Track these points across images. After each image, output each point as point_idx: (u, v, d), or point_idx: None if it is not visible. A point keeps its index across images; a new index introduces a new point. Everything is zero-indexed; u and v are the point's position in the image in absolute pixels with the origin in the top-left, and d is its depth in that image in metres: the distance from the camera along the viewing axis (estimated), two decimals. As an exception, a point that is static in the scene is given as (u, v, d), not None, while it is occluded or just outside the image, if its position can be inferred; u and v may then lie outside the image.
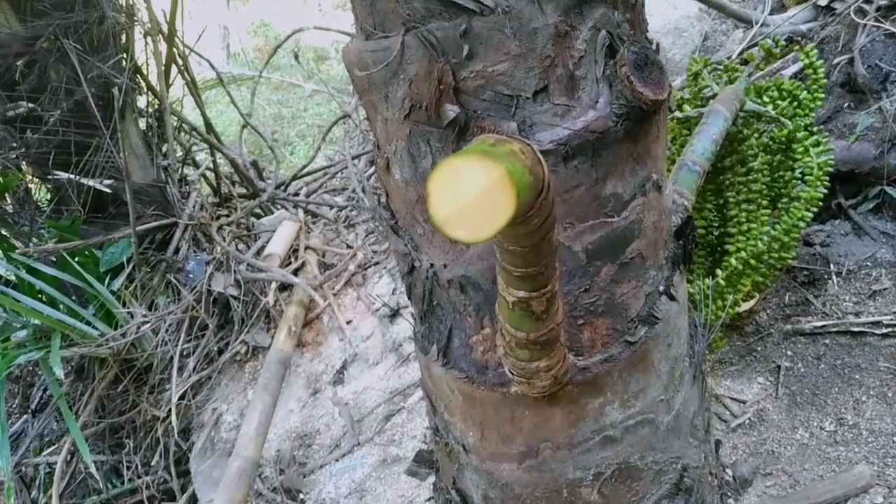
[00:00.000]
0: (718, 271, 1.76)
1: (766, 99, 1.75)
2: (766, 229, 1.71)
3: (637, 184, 0.97)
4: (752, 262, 1.70)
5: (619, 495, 1.06)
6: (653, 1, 3.64)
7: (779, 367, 1.98)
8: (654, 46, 0.95)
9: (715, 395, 1.97)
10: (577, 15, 0.88)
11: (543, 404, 1.00)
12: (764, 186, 1.72)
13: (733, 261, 1.72)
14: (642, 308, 1.02)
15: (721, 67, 1.79)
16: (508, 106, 0.90)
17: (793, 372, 1.95)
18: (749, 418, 1.89)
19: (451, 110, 0.89)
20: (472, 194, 0.38)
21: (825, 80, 1.71)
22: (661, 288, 1.04)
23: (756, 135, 1.72)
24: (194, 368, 3.09)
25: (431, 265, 1.02)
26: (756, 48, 1.98)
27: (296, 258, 3.44)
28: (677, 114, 1.77)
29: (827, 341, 1.97)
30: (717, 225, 1.92)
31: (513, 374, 0.92)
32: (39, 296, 2.91)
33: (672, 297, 1.04)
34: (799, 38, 2.36)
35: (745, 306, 2.08)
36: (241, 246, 3.62)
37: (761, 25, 2.61)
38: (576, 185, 0.92)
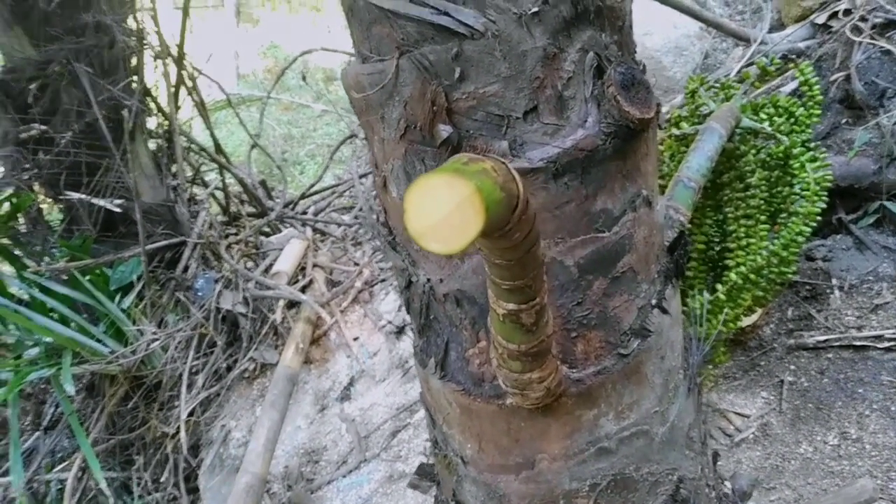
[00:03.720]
0: (718, 286, 1.77)
1: (762, 116, 1.77)
2: (765, 244, 1.72)
3: (627, 200, 1.00)
4: (752, 276, 1.71)
5: (615, 506, 1.08)
6: (653, 20, 3.70)
7: (782, 381, 1.98)
8: (640, 67, 0.98)
9: (718, 410, 1.98)
10: (566, 38, 0.91)
11: (539, 416, 1.02)
12: (762, 202, 1.73)
13: (733, 275, 1.73)
14: (635, 321, 1.04)
15: (718, 85, 1.82)
16: (499, 126, 0.93)
17: (796, 386, 1.96)
18: (753, 433, 1.90)
19: (444, 130, 0.92)
20: (444, 209, 0.40)
21: (821, 97, 1.74)
22: (654, 301, 1.06)
23: (753, 151, 1.74)
24: (203, 385, 3.12)
25: (428, 280, 1.04)
26: (753, 66, 2.01)
27: (303, 276, 3.48)
28: (674, 131, 1.79)
29: (830, 355, 1.97)
30: (717, 240, 1.94)
31: (507, 385, 0.95)
32: (51, 314, 2.95)
33: (665, 311, 1.06)
34: (794, 57, 2.39)
35: (747, 321, 2.09)
36: (249, 264, 3.66)
37: (760, 43, 2.65)
38: (566, 201, 0.95)
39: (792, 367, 2.00)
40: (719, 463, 1.83)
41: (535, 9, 0.89)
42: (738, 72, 2.52)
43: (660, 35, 3.40)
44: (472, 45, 0.89)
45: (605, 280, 1.00)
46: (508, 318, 0.81)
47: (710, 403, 1.99)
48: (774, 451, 1.82)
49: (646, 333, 1.04)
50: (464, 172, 0.41)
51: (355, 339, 3.08)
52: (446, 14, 0.89)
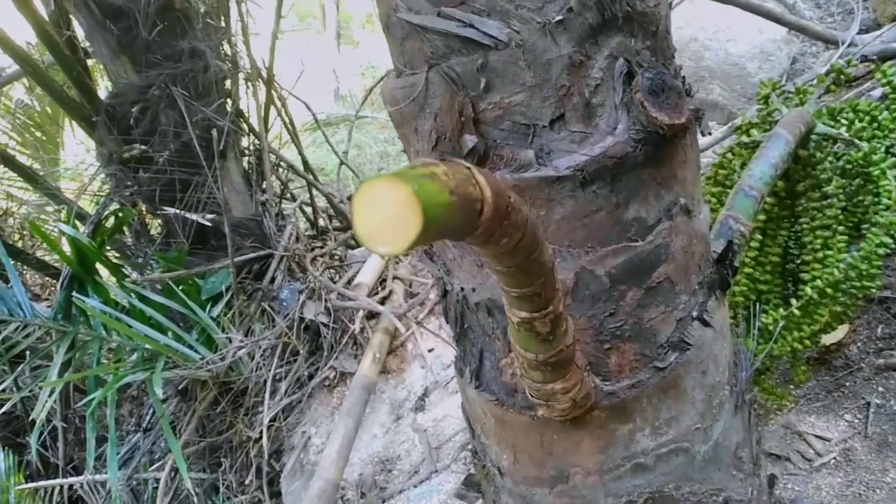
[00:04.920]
0: (793, 300, 1.68)
1: (841, 121, 1.68)
2: (843, 256, 1.62)
3: (663, 208, 0.97)
4: (829, 291, 1.62)
5: (654, 525, 1.04)
6: (737, 25, 3.56)
7: (868, 403, 1.85)
8: (672, 72, 0.95)
9: (797, 432, 1.87)
10: (592, 45, 0.91)
11: (571, 428, 1.01)
12: (840, 212, 1.64)
13: (808, 290, 1.64)
14: (672, 333, 1.00)
15: (792, 91, 1.73)
16: (526, 134, 0.93)
17: (884, 409, 1.82)
18: (834, 458, 1.78)
19: (470, 140, 0.94)
20: (385, 213, 0.42)
21: (907, 100, 1.62)
22: (695, 313, 1.02)
23: (831, 158, 1.65)
24: (286, 392, 3.23)
25: (462, 289, 1.05)
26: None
27: (383, 287, 3.55)
28: (744, 138, 1.72)
29: (924, 377, 1.83)
30: (796, 253, 1.84)
31: (532, 396, 0.94)
32: (150, 321, 3.15)
33: (706, 323, 1.02)
34: (874, 58, 2.22)
35: (831, 338, 1.97)
36: (335, 276, 3.78)
37: (849, 45, 2.49)
38: (595, 209, 0.94)
39: (880, 388, 1.86)
40: (796, 487, 1.73)
41: (560, 17, 0.88)
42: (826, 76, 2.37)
43: (744, 41, 3.26)
44: (496, 55, 0.90)
45: (640, 290, 0.98)
46: (523, 327, 0.80)
47: (789, 425, 1.88)
48: (858, 479, 1.70)
49: (684, 347, 1.00)
50: (404, 176, 0.42)
51: (430, 350, 3.11)
52: (471, 26, 0.91)
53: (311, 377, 3.31)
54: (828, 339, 1.94)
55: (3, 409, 3.34)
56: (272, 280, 3.43)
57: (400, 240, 0.42)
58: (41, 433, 3.49)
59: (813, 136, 1.65)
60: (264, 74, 3.55)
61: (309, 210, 4.14)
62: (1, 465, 3.18)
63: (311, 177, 3.99)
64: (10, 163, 3.77)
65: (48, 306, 3.42)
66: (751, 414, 1.15)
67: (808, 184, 1.68)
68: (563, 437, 1.02)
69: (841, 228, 1.64)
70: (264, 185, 3.61)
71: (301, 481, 3.12)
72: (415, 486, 2.66)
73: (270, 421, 3.11)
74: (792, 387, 1.99)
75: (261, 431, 3.08)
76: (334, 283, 3.53)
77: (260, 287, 3.37)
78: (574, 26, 0.89)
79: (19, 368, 3.12)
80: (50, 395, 2.82)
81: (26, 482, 3.25)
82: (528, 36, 0.89)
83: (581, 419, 0.99)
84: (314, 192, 4.05)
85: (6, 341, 2.96)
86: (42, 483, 3.34)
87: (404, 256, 3.90)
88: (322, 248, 3.87)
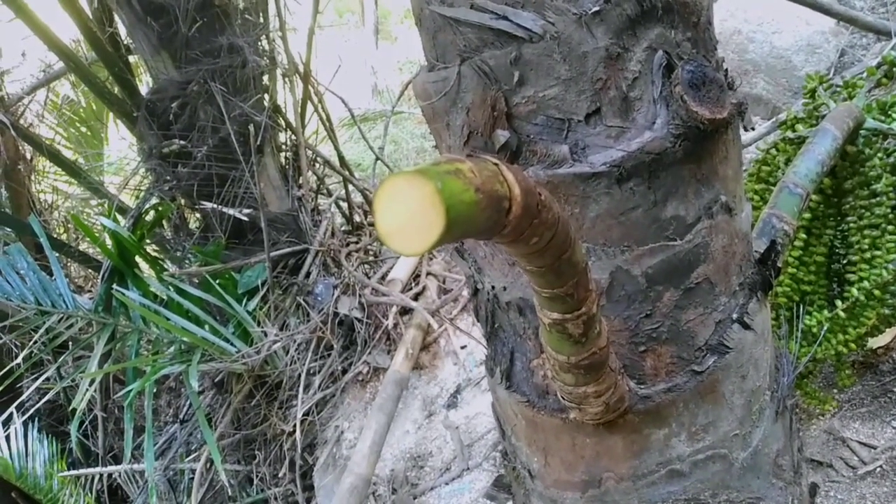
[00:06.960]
0: (838, 302, 1.63)
1: (893, 116, 1.61)
2: (892, 257, 1.56)
3: (702, 206, 0.94)
4: (876, 292, 1.56)
5: (689, 534, 1.01)
6: (783, 17, 3.46)
7: (918, 410, 1.78)
8: (714, 65, 0.92)
9: (841, 438, 1.80)
10: (630, 36, 0.88)
11: (604, 432, 0.98)
12: (889, 210, 1.57)
13: (854, 291, 1.58)
14: (711, 336, 0.97)
15: (841, 84, 1.67)
16: (560, 129, 0.90)
17: (935, 417, 1.75)
18: (881, 466, 1.71)
19: (502, 135, 0.91)
20: (408, 210, 0.40)
21: (963, 94, 1.55)
22: (735, 316, 0.99)
23: (880, 155, 1.59)
24: (319, 386, 3.25)
25: (493, 287, 1.03)
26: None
27: (417, 283, 3.55)
28: (789, 133, 1.67)
29: (977, 384, 1.75)
30: (842, 253, 1.78)
31: (563, 399, 0.91)
32: (187, 314, 3.20)
33: (746, 326, 0.99)
34: None
35: (879, 341, 1.90)
36: (369, 271, 3.79)
37: (902, 37, 2.39)
38: (632, 207, 0.91)
39: (931, 395, 1.79)
40: (839, 496, 1.67)
41: (596, 8, 0.86)
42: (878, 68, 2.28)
43: (790, 33, 3.15)
44: (530, 48, 0.88)
45: (677, 291, 0.94)
46: (554, 328, 0.78)
47: (832, 430, 1.82)
48: (906, 489, 1.64)
49: (724, 350, 0.97)
50: (426, 172, 0.40)
51: (463, 347, 3.10)
52: (505, 18, 0.89)
53: (344, 372, 3.32)
54: (874, 342, 1.87)
55: (47, 397, 3.44)
56: (307, 275, 3.45)
57: (422, 239, 0.40)
58: (82, 422, 3.58)
59: (862, 132, 1.58)
60: (301, 70, 3.57)
61: (344, 205, 4.15)
62: (45, 452, 3.25)
63: (346, 172, 4.00)
64: (56, 157, 3.86)
65: (90, 298, 3.49)
66: (792, 420, 1.11)
67: (856, 181, 1.62)
68: (595, 441, 0.99)
69: (890, 228, 1.58)
70: (300, 181, 3.63)
71: (333, 475, 3.14)
72: (446, 484, 2.65)
73: (304, 415, 3.14)
74: (836, 391, 1.92)
75: (294, 425, 3.11)
76: (368, 278, 3.54)
77: (295, 282, 3.39)
78: (611, 17, 0.86)
79: (61, 358, 3.20)
80: (90, 385, 2.88)
81: (68, 469, 3.33)
82: (564, 28, 0.86)
83: (614, 423, 0.96)
84: (350, 187, 4.06)
85: (49, 331, 3.04)
86: (83, 471, 3.42)
87: (437, 253, 3.89)
88: (357, 243, 3.89)
